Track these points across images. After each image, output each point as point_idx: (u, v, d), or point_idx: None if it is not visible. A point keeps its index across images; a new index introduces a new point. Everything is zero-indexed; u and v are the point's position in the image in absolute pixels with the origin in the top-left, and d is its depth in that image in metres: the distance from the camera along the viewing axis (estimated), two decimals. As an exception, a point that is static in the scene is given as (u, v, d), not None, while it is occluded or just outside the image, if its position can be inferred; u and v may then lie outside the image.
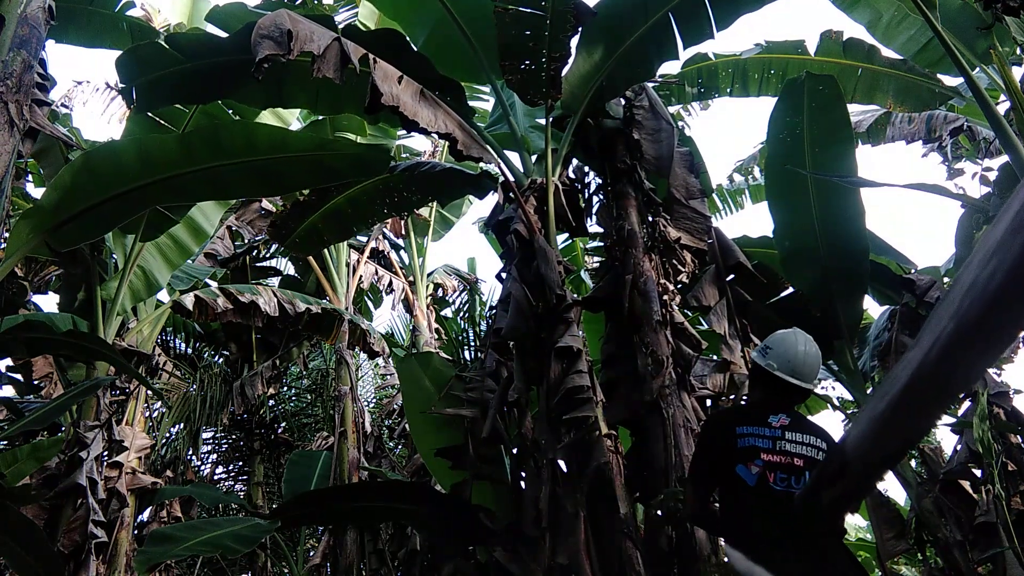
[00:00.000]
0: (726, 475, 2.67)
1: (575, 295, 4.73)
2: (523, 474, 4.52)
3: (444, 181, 5.98)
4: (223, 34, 5.38)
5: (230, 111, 6.36)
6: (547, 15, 4.82)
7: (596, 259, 10.05)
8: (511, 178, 5.24)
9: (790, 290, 6.57)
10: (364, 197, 6.05)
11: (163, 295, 7.83)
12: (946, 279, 6.99)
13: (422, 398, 5.52)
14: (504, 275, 4.96)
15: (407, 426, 6.74)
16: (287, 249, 6.36)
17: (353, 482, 7.96)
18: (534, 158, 5.56)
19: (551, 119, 5.39)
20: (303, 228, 6.13)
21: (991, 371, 5.85)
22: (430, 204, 9.80)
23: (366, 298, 11.80)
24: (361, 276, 10.20)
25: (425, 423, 5.45)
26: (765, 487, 2.60)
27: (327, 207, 6.04)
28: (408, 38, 5.45)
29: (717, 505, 2.87)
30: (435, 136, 4.77)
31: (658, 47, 5.24)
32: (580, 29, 5.06)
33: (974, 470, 5.39)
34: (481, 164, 5.54)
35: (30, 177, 8.08)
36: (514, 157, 5.49)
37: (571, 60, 5.19)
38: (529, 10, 4.81)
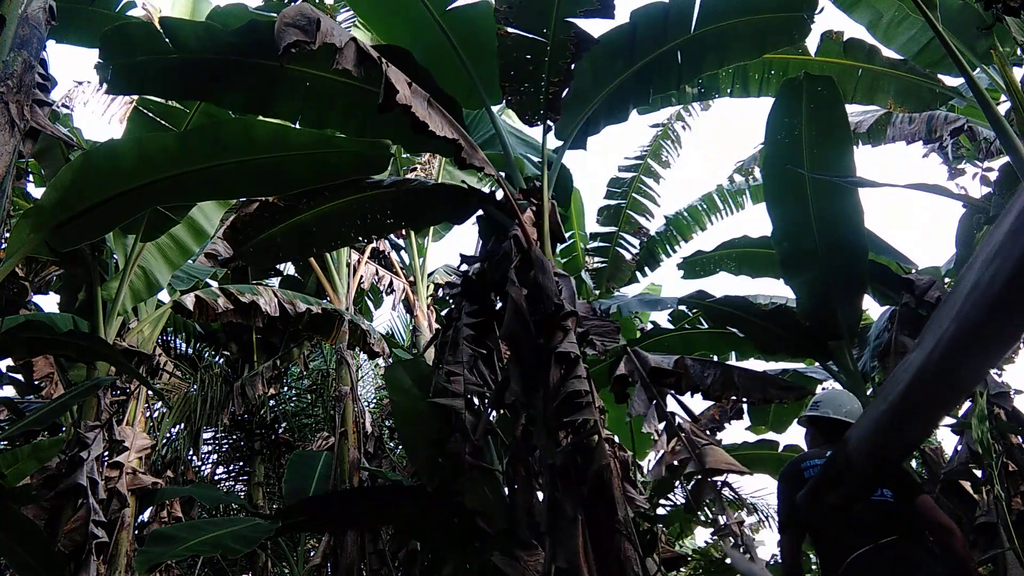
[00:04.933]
0: (812, 507, 2.99)
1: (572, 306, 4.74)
2: (516, 478, 4.53)
3: (424, 204, 5.77)
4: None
5: (230, 112, 6.35)
6: (548, 42, 4.96)
7: (597, 260, 10.06)
8: (509, 191, 5.25)
9: (785, 299, 6.65)
10: (334, 216, 5.65)
11: (164, 295, 7.83)
12: (946, 279, 7.00)
13: (410, 404, 5.50)
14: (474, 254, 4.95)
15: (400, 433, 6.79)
16: (238, 257, 5.87)
17: (354, 486, 7.96)
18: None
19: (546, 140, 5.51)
20: (261, 239, 5.65)
21: (991, 371, 5.84)
22: (402, 228, 9.53)
23: (366, 298, 11.80)
24: (362, 276, 10.21)
25: (416, 430, 5.44)
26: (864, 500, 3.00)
27: (293, 221, 5.61)
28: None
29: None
30: (443, 140, 4.76)
31: (635, 94, 5.70)
32: (582, 56, 5.17)
33: (974, 470, 5.39)
34: (481, 173, 5.59)
35: (31, 177, 8.09)
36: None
37: (569, 87, 5.36)
38: (531, 36, 4.94)
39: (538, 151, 5.90)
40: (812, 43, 6.85)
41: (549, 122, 5.46)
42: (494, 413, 5.15)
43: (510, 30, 4.93)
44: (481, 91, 5.40)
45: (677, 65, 5.58)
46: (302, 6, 4.25)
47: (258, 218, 5.59)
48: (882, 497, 3.08)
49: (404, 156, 10.20)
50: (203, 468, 11.22)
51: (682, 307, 7.07)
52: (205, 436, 10.79)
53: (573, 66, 5.20)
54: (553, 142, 5.70)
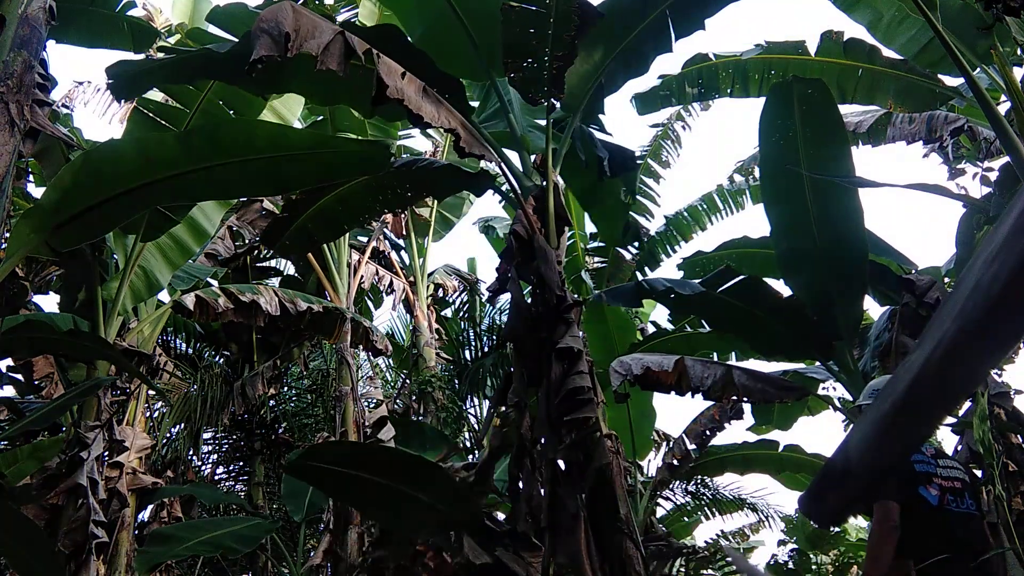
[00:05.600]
0: (908, 496, 3.05)
1: (575, 295, 4.73)
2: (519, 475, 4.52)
3: (442, 177, 5.92)
4: (222, 33, 5.39)
5: (231, 112, 6.35)
6: (551, 15, 4.82)
7: (597, 260, 10.06)
8: (511, 177, 5.24)
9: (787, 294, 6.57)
10: (356, 195, 5.89)
11: (164, 295, 7.83)
12: (946, 279, 7.00)
13: None
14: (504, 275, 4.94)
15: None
16: (278, 253, 6.20)
17: (367, 443, 7.80)
18: (533, 157, 5.56)
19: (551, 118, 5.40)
20: (293, 229, 5.94)
21: (992, 371, 5.84)
22: (425, 201, 9.81)
23: (366, 298, 11.80)
24: (362, 276, 10.20)
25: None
26: (944, 508, 3.08)
27: (317, 206, 5.87)
28: (407, 35, 5.43)
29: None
30: (435, 137, 4.76)
31: (654, 42, 5.38)
32: (586, 29, 5.06)
33: (975, 470, 5.39)
34: (482, 163, 5.55)
35: (31, 177, 8.09)
36: (513, 156, 5.49)
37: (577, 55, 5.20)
38: (534, 8, 4.79)
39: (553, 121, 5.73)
40: (812, 43, 6.86)
41: (554, 99, 5.31)
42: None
43: (513, 4, 4.78)
44: (487, 65, 5.29)
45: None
46: (281, 9, 4.10)
47: (286, 213, 5.87)
48: (968, 509, 3.17)
49: (404, 156, 10.21)
50: (203, 468, 11.21)
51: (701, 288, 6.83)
52: (205, 436, 10.78)
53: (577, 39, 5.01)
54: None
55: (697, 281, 6.35)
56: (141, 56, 5.30)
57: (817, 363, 7.04)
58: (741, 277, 6.10)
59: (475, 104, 7.99)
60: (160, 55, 5.04)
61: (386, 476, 5.33)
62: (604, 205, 6.58)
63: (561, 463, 4.22)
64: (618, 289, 6.97)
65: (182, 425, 9.63)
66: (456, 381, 10.81)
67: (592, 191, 6.46)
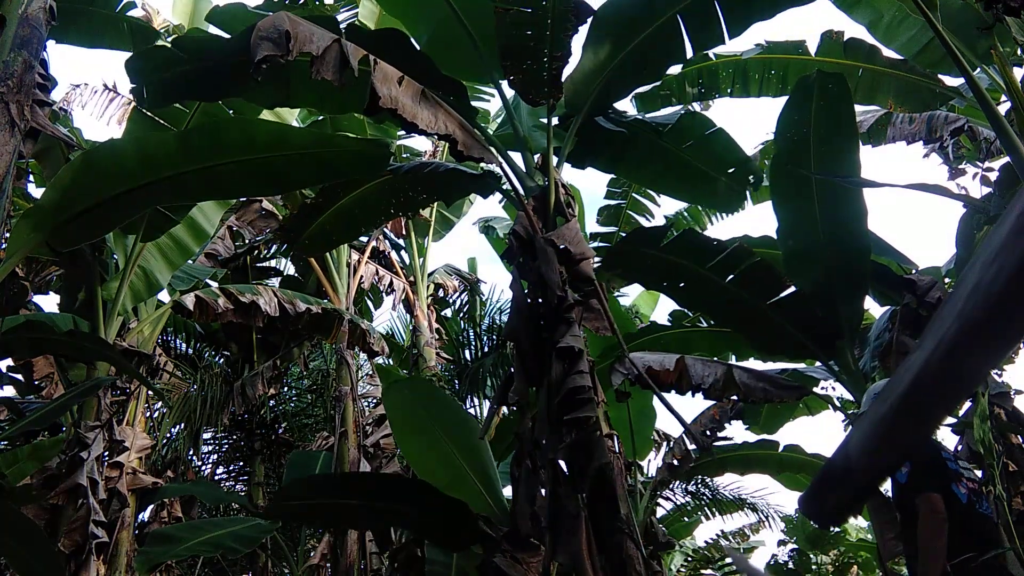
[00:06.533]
0: (942, 491, 3.14)
1: (576, 295, 4.72)
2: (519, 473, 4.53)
3: (449, 181, 5.95)
4: (222, 34, 5.38)
5: (231, 111, 6.35)
6: (548, 15, 4.81)
7: (597, 259, 10.05)
8: (513, 178, 5.24)
9: (791, 289, 6.54)
10: (371, 197, 5.99)
11: (164, 295, 7.83)
12: (947, 279, 6.99)
13: (415, 422, 5.63)
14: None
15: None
16: (296, 251, 6.34)
17: (352, 472, 7.94)
18: (537, 157, 5.55)
19: (555, 118, 5.39)
20: (312, 230, 6.08)
21: (992, 371, 5.84)
22: (436, 203, 9.84)
23: (366, 298, 11.80)
24: (362, 276, 10.20)
25: (416, 444, 5.64)
26: (972, 507, 3.19)
27: (335, 208, 5.99)
28: (411, 38, 5.43)
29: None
30: (435, 137, 4.76)
31: (666, 50, 5.33)
32: (580, 28, 5.05)
33: (975, 470, 5.39)
34: (482, 164, 5.53)
35: (31, 177, 8.08)
36: (517, 157, 5.48)
37: (577, 59, 5.19)
38: (530, 10, 4.79)
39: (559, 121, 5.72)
40: (812, 43, 6.85)
41: (553, 99, 5.27)
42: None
43: (508, 6, 4.77)
44: (491, 66, 5.28)
45: (716, 13, 5.14)
46: (277, 17, 4.16)
47: (303, 214, 6.01)
48: (987, 511, 3.25)
49: (404, 156, 10.22)
50: (203, 468, 11.22)
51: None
52: (205, 436, 10.79)
53: (575, 37, 4.99)
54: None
55: (710, 264, 6.08)
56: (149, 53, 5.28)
57: (817, 363, 7.03)
58: (755, 260, 5.95)
59: (488, 107, 7.96)
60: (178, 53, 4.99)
61: (373, 499, 5.47)
62: (707, 167, 6.27)
63: (562, 463, 4.22)
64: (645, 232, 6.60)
65: (182, 425, 9.63)
66: (456, 381, 10.81)
67: (681, 167, 6.21)
